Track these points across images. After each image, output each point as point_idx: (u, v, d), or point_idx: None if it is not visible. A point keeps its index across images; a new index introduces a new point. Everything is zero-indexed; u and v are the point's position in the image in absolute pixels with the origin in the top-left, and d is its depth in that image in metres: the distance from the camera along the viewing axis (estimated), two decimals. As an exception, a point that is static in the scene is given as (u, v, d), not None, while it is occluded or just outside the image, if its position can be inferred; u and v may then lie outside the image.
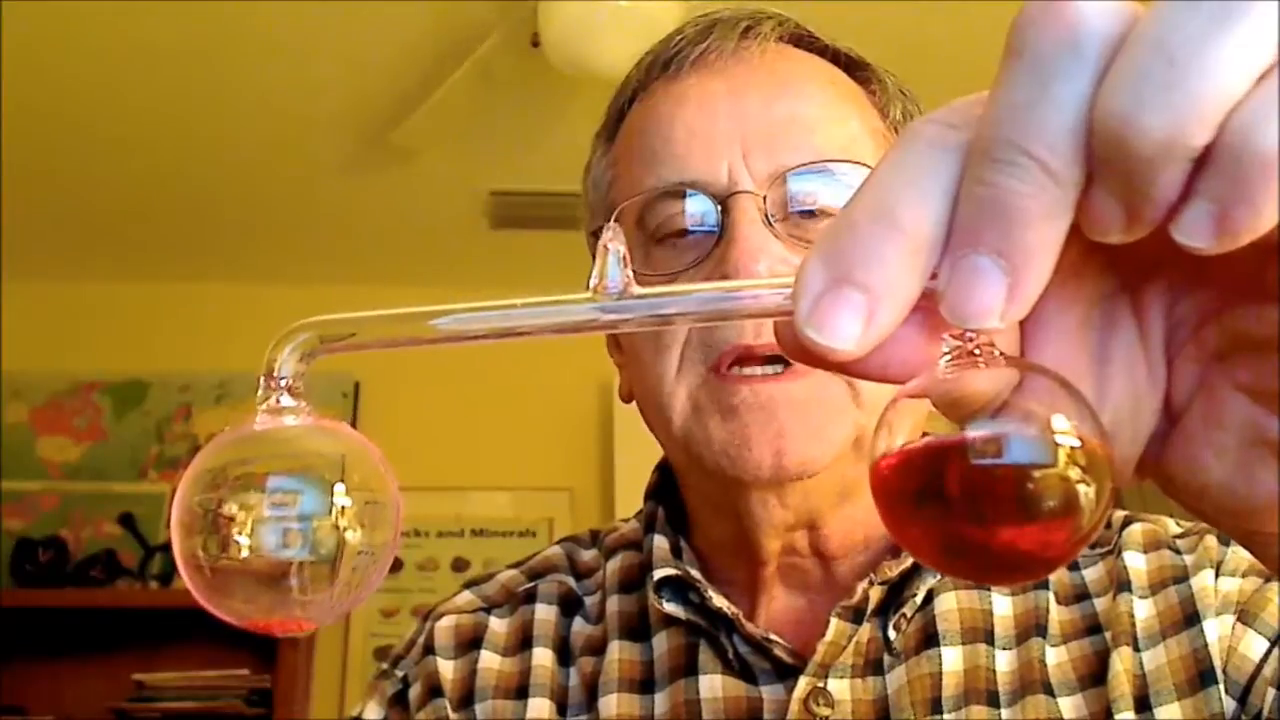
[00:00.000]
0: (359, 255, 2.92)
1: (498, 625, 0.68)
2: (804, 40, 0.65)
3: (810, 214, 0.59)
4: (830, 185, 0.59)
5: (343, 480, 0.27)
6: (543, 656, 0.65)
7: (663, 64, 0.64)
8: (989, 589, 0.61)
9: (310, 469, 0.27)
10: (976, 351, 0.25)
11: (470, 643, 0.67)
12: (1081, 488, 0.23)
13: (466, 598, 0.71)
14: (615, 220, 0.61)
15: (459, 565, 2.85)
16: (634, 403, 0.66)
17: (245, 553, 0.26)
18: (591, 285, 0.27)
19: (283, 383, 0.27)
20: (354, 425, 3.09)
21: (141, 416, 2.95)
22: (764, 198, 0.58)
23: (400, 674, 0.69)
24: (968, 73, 0.62)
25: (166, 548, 2.78)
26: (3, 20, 1.99)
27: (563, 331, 0.27)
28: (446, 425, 2.88)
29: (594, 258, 0.27)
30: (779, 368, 0.57)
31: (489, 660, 0.66)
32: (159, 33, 2.08)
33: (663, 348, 0.60)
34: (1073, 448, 0.24)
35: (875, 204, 0.24)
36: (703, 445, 0.58)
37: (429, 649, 0.68)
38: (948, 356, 0.25)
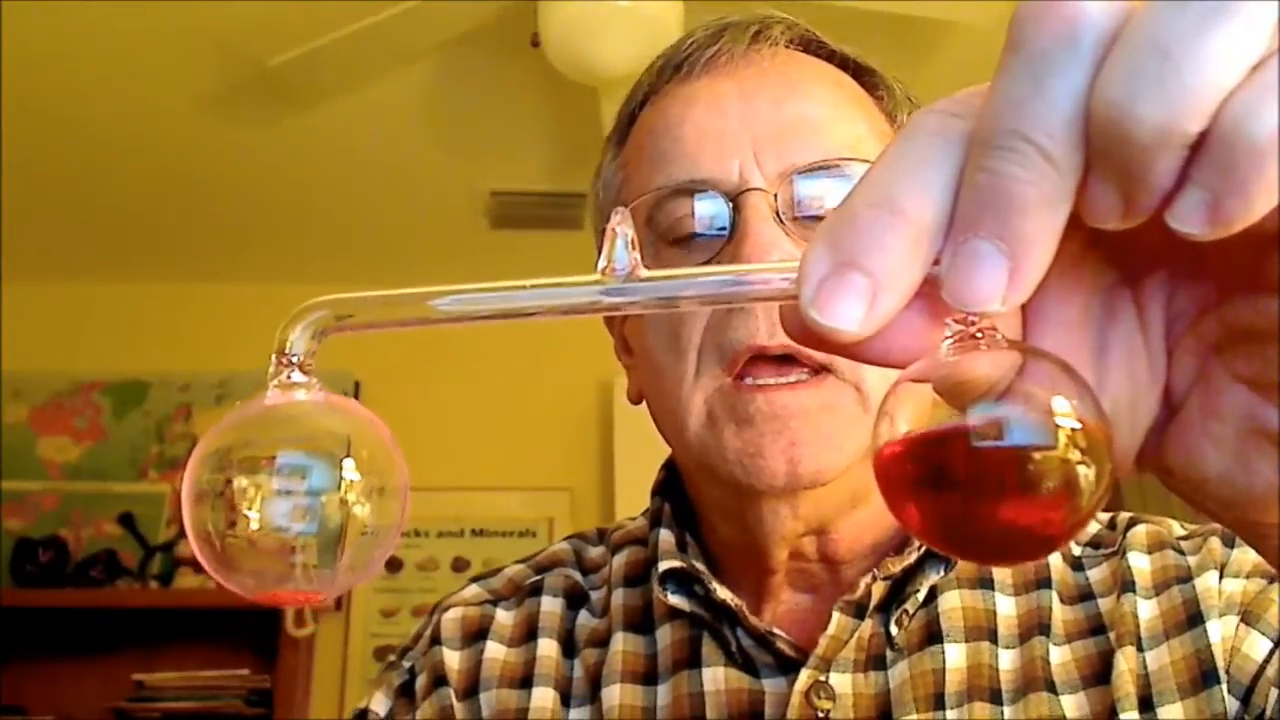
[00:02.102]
0: (359, 255, 2.92)
1: (504, 617, 0.68)
2: (812, 45, 0.66)
3: (820, 218, 0.59)
4: (839, 184, 0.59)
5: (350, 456, 0.27)
6: (548, 647, 0.66)
7: (674, 67, 0.64)
8: (992, 588, 0.61)
9: (319, 445, 0.27)
10: (978, 335, 0.25)
11: (476, 634, 0.68)
12: (1081, 469, 0.24)
13: (473, 591, 0.71)
14: None
15: (459, 565, 2.85)
16: (641, 404, 0.66)
17: (254, 526, 0.26)
18: (599, 268, 0.27)
19: (294, 359, 0.27)
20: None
21: (141, 416, 2.95)
22: (774, 195, 0.58)
23: (407, 665, 0.69)
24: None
25: (166, 547, 2.78)
26: (3, 20, 1.99)
27: (571, 313, 0.27)
28: (446, 425, 2.88)
29: (599, 253, 0.28)
30: (792, 376, 0.57)
31: (494, 651, 0.66)
32: (159, 32, 2.08)
33: (678, 351, 0.59)
34: (1073, 430, 0.24)
35: (878, 191, 0.25)
36: (716, 454, 0.58)
37: (435, 640, 0.68)
38: (950, 340, 0.25)
